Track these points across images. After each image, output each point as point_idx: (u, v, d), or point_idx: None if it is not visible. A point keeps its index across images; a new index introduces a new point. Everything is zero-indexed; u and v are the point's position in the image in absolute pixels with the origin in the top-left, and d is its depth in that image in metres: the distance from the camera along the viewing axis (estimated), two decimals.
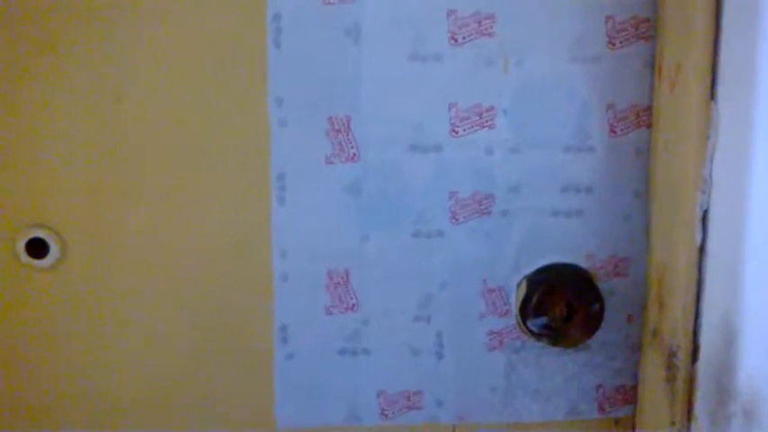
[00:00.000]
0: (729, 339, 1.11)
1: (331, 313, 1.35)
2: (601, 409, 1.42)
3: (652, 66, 1.32)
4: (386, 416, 1.38)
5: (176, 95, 1.26)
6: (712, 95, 1.12)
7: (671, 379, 1.21)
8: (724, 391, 1.11)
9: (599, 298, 1.34)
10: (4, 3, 1.22)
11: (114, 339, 1.31)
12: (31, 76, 1.24)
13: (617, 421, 1.42)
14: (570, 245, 1.35)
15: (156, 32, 1.24)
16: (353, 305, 1.35)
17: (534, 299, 1.33)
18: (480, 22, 1.28)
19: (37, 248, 1.24)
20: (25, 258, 1.25)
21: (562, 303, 1.33)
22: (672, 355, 1.21)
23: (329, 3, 1.26)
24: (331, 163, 1.31)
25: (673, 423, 1.20)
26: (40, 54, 1.23)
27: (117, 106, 1.25)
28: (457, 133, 1.31)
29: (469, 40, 1.29)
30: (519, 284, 1.36)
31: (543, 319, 1.33)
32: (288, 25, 1.26)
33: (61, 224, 1.25)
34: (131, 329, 1.31)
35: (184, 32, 1.25)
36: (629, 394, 1.41)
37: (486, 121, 1.31)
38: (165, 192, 1.28)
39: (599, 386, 1.41)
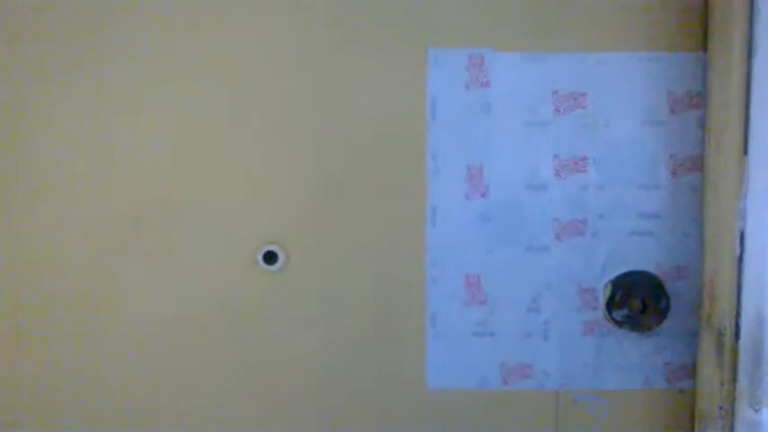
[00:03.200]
0: (760, 322, 1.56)
1: (467, 306, 1.86)
2: (668, 381, 1.86)
3: (702, 126, 1.80)
4: (506, 382, 1.87)
5: (368, 152, 1.81)
6: (745, 151, 1.59)
7: (720, 352, 1.67)
8: (758, 358, 1.57)
9: (666, 296, 1.81)
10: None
11: (315, 318, 1.86)
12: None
13: (681, 390, 1.87)
14: (643, 257, 1.83)
15: (359, 112, 1.81)
16: (483, 300, 1.86)
17: (618, 296, 1.81)
18: (576, 98, 1.80)
19: (269, 258, 1.81)
20: (262, 265, 1.82)
21: (638, 300, 1.80)
22: (721, 335, 1.67)
23: (469, 89, 1.80)
24: (468, 198, 1.83)
25: (722, 383, 1.65)
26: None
27: (326, 163, 1.82)
28: (560, 176, 1.82)
29: (569, 111, 1.80)
30: (605, 286, 1.84)
31: (624, 312, 1.81)
32: (441, 104, 1.81)
33: (286, 241, 1.83)
34: (327, 313, 1.85)
35: (376, 110, 1.81)
36: (690, 370, 1.85)
37: (581, 168, 1.82)
38: (354, 217, 1.83)
39: (666, 363, 1.86)
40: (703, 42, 1.77)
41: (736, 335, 1.63)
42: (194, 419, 1.87)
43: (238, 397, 1.87)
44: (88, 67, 1.80)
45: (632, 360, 1.86)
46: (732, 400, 1.65)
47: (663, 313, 1.81)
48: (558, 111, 1.81)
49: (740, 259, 1.62)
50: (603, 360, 1.86)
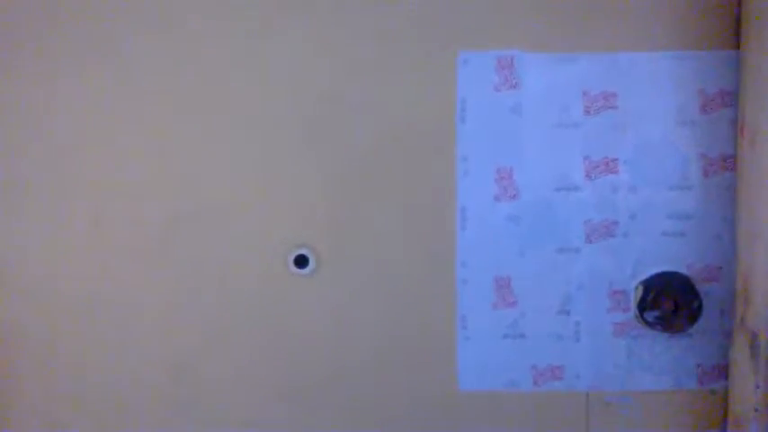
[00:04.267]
0: None
1: (497, 308, 1.86)
2: (700, 382, 1.85)
3: (734, 125, 1.78)
4: (537, 384, 1.87)
5: (397, 154, 1.81)
6: None
7: (754, 355, 1.66)
8: None
9: (698, 297, 1.80)
10: None
11: (347, 321, 1.86)
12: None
13: (713, 391, 1.86)
14: (675, 257, 1.82)
15: (389, 115, 1.81)
16: (513, 302, 1.85)
17: (649, 298, 1.80)
18: (607, 99, 1.79)
19: (301, 261, 1.82)
20: (293, 269, 1.83)
21: (670, 301, 1.79)
22: (755, 337, 1.66)
23: (499, 90, 1.79)
24: (498, 200, 1.83)
25: (757, 387, 1.64)
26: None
27: (356, 165, 1.82)
28: (590, 177, 1.81)
29: (599, 112, 1.79)
30: (636, 287, 1.83)
31: (656, 313, 1.80)
32: (470, 106, 1.80)
33: (317, 245, 1.83)
34: (358, 315, 1.86)
35: (406, 112, 1.81)
36: (722, 371, 1.84)
37: (612, 169, 1.81)
38: (384, 220, 1.83)
39: (698, 364, 1.85)
40: (736, 40, 1.75)
41: None
42: (224, 422, 1.88)
43: (269, 399, 1.88)
44: (114, 68, 1.81)
45: (663, 361, 1.85)
46: (767, 403, 1.63)
47: (695, 315, 1.79)
48: (589, 111, 1.79)
49: None
50: (635, 361, 1.85)
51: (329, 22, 1.79)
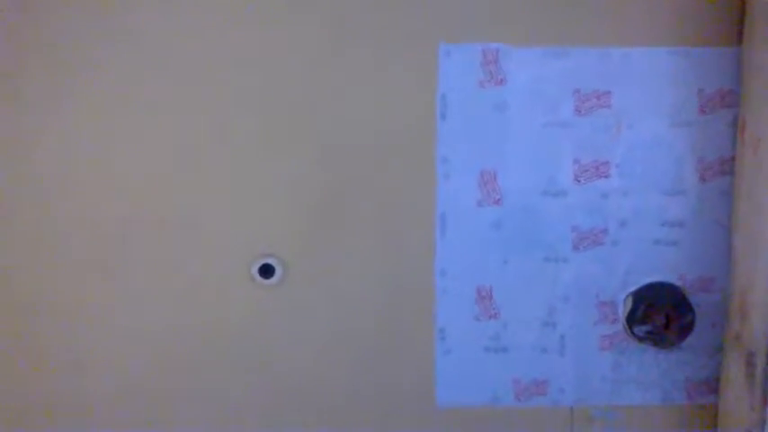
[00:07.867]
0: None
1: (478, 320, 1.74)
2: (689, 397, 1.77)
3: (734, 126, 1.66)
4: (519, 399, 1.77)
5: (372, 155, 1.67)
6: None
7: (750, 374, 1.57)
8: None
9: (691, 310, 1.70)
10: None
11: (316, 335, 1.73)
12: None
13: (702, 406, 1.77)
14: (667, 267, 1.71)
15: (363, 113, 1.67)
16: (495, 313, 1.74)
17: (639, 310, 1.69)
18: (599, 98, 1.66)
19: (266, 271, 1.68)
20: (258, 279, 1.69)
21: (662, 314, 1.69)
22: (751, 355, 1.56)
23: (483, 86, 1.65)
24: (481, 206, 1.70)
25: (753, 408, 1.55)
26: None
27: (327, 168, 1.68)
28: (579, 182, 1.69)
29: (591, 111, 1.66)
30: (626, 299, 1.72)
31: (647, 327, 1.70)
32: (451, 102, 1.66)
33: (283, 254, 1.69)
34: (329, 329, 1.73)
35: (381, 110, 1.66)
36: (712, 386, 1.75)
37: (603, 172, 1.68)
38: (357, 227, 1.69)
39: (688, 379, 1.76)
40: (738, 35, 1.63)
41: None
42: None
43: (235, 416, 1.75)
44: (80, 78, 1.64)
45: (652, 375, 1.75)
46: (762, 424, 1.55)
47: (687, 329, 1.70)
48: (580, 111, 1.66)
49: None
50: (622, 375, 1.75)
51: (299, 13, 1.62)
